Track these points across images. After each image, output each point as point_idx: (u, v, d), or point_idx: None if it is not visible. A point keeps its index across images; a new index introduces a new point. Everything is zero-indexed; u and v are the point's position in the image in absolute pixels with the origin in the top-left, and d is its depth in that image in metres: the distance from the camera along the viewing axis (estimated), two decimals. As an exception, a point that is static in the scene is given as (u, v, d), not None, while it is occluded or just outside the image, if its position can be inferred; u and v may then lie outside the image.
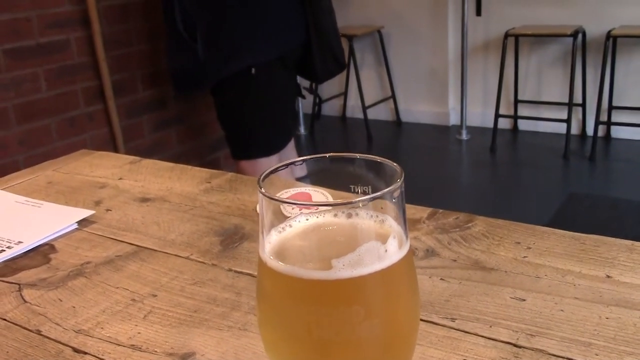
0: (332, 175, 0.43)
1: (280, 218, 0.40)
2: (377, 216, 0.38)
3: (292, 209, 0.40)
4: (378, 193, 0.36)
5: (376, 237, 0.36)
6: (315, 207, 0.39)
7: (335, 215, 0.39)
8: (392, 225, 0.38)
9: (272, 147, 2.29)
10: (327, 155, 0.41)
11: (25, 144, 2.66)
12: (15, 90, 2.60)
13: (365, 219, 0.38)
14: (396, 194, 0.36)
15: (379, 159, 0.39)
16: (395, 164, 0.38)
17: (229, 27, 2.15)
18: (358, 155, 0.40)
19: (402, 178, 0.36)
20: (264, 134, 2.30)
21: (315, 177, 0.42)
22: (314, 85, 2.51)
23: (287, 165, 0.40)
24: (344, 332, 0.34)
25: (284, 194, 0.41)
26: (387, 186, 0.37)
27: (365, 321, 0.35)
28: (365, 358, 0.36)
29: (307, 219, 0.40)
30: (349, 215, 0.39)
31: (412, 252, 0.38)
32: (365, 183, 0.39)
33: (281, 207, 0.40)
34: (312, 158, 0.41)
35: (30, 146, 2.67)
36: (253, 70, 2.16)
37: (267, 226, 0.38)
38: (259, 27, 2.15)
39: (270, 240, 0.38)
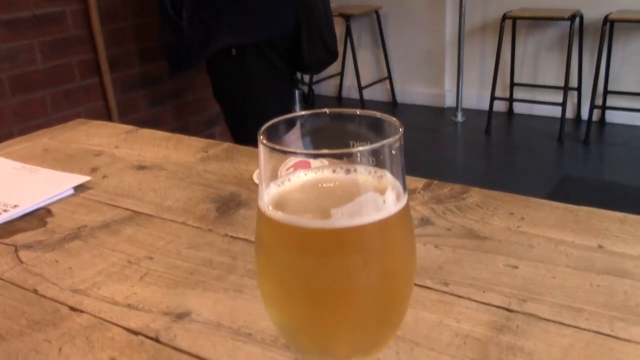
0: (331, 132, 0.43)
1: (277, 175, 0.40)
2: (375, 172, 0.38)
3: (287, 169, 0.41)
4: (377, 144, 0.36)
5: (374, 189, 0.37)
6: (315, 161, 0.40)
7: (334, 171, 0.40)
8: (390, 180, 0.38)
9: None
10: (327, 110, 0.41)
11: (20, 115, 2.64)
12: (11, 62, 2.59)
13: (363, 174, 0.39)
14: (395, 146, 0.37)
15: (378, 114, 0.39)
16: (394, 118, 0.38)
17: (212, 5, 2.12)
18: (358, 111, 0.40)
19: (402, 131, 0.37)
20: (255, 119, 2.25)
21: (315, 135, 0.42)
22: (306, 78, 2.46)
23: (288, 118, 0.40)
24: (341, 280, 0.35)
25: (284, 165, 0.41)
26: (387, 143, 0.37)
27: (363, 270, 0.35)
28: (362, 307, 0.37)
29: (305, 174, 0.41)
30: (348, 171, 0.39)
31: (409, 206, 0.39)
32: (365, 140, 0.40)
33: (276, 169, 0.40)
34: (312, 113, 0.41)
35: (25, 118, 2.65)
36: (233, 51, 2.14)
37: (266, 179, 0.39)
38: (243, 7, 2.11)
39: (269, 193, 0.39)
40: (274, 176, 0.39)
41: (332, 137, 0.43)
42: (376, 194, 0.37)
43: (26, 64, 2.64)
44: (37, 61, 2.67)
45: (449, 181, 0.89)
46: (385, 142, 0.36)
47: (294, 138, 0.43)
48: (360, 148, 0.36)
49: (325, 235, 0.35)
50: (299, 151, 0.36)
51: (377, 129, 0.41)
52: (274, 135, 0.40)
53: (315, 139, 0.42)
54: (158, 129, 1.21)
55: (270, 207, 0.37)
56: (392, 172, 0.38)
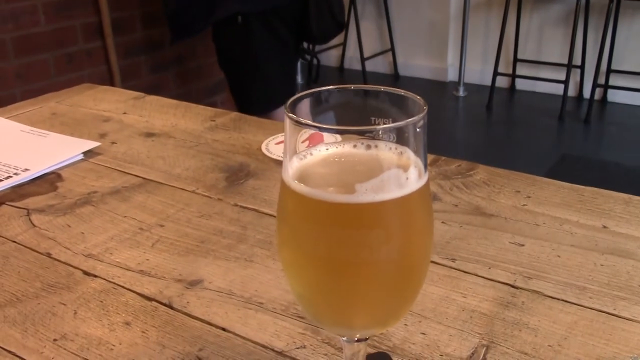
0: (350, 106, 0.43)
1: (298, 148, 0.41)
2: (395, 148, 0.39)
3: (302, 141, 0.41)
4: (402, 122, 0.37)
5: (397, 166, 0.38)
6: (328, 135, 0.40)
7: (355, 146, 0.41)
8: (411, 157, 0.39)
9: (268, 105, 2.22)
10: (352, 86, 0.42)
11: (23, 77, 2.63)
12: (14, 23, 2.57)
13: (384, 150, 0.39)
14: (420, 124, 0.37)
15: (402, 91, 0.40)
16: (418, 97, 0.39)
17: None
18: (382, 88, 0.41)
19: (426, 110, 0.37)
20: (259, 88, 2.24)
21: (337, 109, 0.43)
22: (311, 47, 2.42)
23: (312, 93, 0.41)
24: (363, 254, 0.36)
25: (300, 136, 0.41)
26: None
27: (384, 245, 0.36)
28: (381, 280, 0.38)
29: (327, 149, 0.41)
30: (368, 147, 0.40)
31: (429, 184, 0.40)
32: (387, 116, 0.40)
33: (296, 143, 0.41)
34: (336, 89, 0.42)
35: (27, 80, 2.64)
36: (239, 19, 2.12)
37: (290, 151, 0.39)
38: None
39: (292, 166, 0.39)
40: (297, 149, 0.40)
41: (352, 111, 0.44)
42: (399, 170, 0.37)
43: (29, 26, 2.62)
44: (40, 23, 2.65)
45: (449, 155, 0.90)
46: (410, 120, 0.37)
47: (305, 109, 0.44)
48: (388, 125, 0.37)
49: (349, 210, 0.36)
50: (328, 127, 0.37)
51: (397, 105, 0.41)
52: (292, 108, 0.40)
53: (335, 113, 0.43)
54: (160, 95, 1.21)
55: (295, 181, 0.38)
56: (415, 150, 0.39)
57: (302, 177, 0.39)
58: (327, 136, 0.44)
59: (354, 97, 0.43)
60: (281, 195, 0.40)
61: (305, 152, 0.41)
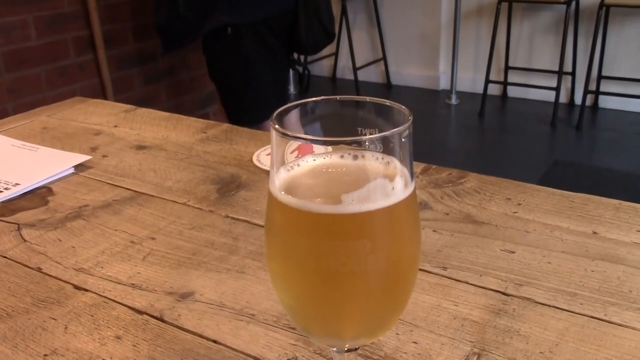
0: (338, 117, 0.44)
1: (287, 159, 0.41)
2: (382, 158, 0.39)
3: (291, 152, 0.42)
4: (387, 132, 0.37)
5: (383, 176, 0.38)
6: (324, 147, 0.41)
7: (342, 156, 0.41)
8: (397, 166, 0.39)
9: (259, 116, 2.22)
10: (337, 97, 0.42)
11: (15, 91, 2.63)
12: (5, 37, 2.57)
13: (371, 160, 0.40)
14: (405, 134, 0.37)
15: (387, 102, 0.40)
16: (403, 106, 0.39)
17: None
18: (368, 99, 0.41)
19: (411, 120, 0.38)
20: (250, 99, 2.24)
21: (323, 120, 0.43)
22: (302, 58, 2.43)
23: (298, 105, 0.41)
24: (350, 264, 0.36)
25: (289, 147, 0.42)
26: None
27: (371, 254, 0.36)
28: (369, 289, 0.38)
29: (314, 160, 0.41)
30: (355, 157, 0.40)
31: (416, 193, 0.40)
32: (373, 126, 0.40)
33: (284, 154, 0.41)
34: (322, 100, 0.42)
35: (19, 94, 2.64)
36: (229, 30, 2.13)
37: (277, 163, 0.40)
38: None
39: (279, 177, 0.40)
40: (283, 160, 0.40)
41: (339, 122, 0.44)
42: (385, 180, 0.38)
43: (21, 40, 2.62)
44: (31, 37, 2.65)
45: (442, 163, 0.90)
46: (396, 130, 0.37)
47: (294, 120, 0.44)
48: (373, 136, 0.37)
49: (336, 220, 0.36)
50: (314, 138, 0.37)
51: (383, 115, 0.41)
52: (278, 119, 0.40)
53: (322, 124, 0.43)
54: (153, 107, 1.21)
55: (282, 192, 0.38)
56: (400, 160, 0.39)
57: (289, 188, 0.39)
58: (315, 147, 0.44)
59: (340, 108, 0.43)
60: (268, 207, 0.40)
61: (293, 163, 0.41)
